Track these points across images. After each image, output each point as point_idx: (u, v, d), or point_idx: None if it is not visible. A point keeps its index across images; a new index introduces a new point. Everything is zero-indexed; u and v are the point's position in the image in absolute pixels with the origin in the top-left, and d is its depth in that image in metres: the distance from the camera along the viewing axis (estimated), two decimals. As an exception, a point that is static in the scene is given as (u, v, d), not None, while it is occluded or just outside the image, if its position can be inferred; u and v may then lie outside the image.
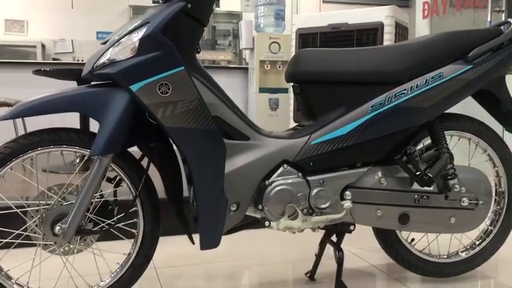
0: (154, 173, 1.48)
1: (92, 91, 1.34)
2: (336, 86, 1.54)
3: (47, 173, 1.48)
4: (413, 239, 1.74)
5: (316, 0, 7.74)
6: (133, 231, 1.46)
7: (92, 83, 1.40)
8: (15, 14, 6.61)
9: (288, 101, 3.73)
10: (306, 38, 3.29)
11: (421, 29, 4.25)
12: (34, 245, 1.42)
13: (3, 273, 1.40)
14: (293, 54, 3.38)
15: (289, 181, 1.47)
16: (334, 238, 1.67)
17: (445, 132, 1.64)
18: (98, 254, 1.48)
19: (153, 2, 1.43)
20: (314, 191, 1.49)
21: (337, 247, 1.61)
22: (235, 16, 7.02)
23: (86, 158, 1.42)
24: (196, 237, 1.42)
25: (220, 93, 1.46)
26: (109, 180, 1.48)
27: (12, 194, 1.52)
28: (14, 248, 1.42)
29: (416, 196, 1.59)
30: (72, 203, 1.37)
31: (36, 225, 1.39)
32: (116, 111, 1.32)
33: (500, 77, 1.66)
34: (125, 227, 1.45)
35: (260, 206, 1.46)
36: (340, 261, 1.56)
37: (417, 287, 1.72)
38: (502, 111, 1.71)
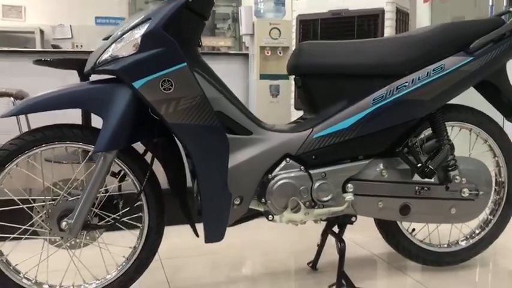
0: (156, 165, 1.49)
1: (96, 87, 1.34)
2: (338, 79, 1.55)
3: (51, 166, 1.50)
4: (414, 229, 1.76)
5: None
6: (139, 225, 1.49)
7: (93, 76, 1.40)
8: (12, -1, 6.54)
9: (289, 87, 3.72)
10: (307, 24, 3.27)
11: (422, 14, 4.21)
12: (41, 239, 1.45)
13: (11, 267, 1.42)
14: (294, 40, 3.37)
15: (292, 174, 1.49)
16: (336, 229, 1.69)
17: (446, 123, 1.65)
18: (104, 247, 1.50)
19: None
20: (316, 184, 1.50)
21: (339, 238, 1.63)
22: (234, -1, 6.97)
23: (90, 153, 1.43)
24: (200, 229, 1.44)
25: (222, 88, 1.46)
26: (113, 174, 1.49)
27: (18, 190, 1.54)
28: (21, 241, 1.44)
29: (417, 187, 1.61)
30: (77, 197, 1.39)
31: (42, 221, 1.41)
32: (119, 108, 1.32)
33: (501, 67, 1.67)
34: (130, 221, 1.47)
35: (263, 199, 1.48)
36: (342, 252, 1.59)
37: (418, 275, 1.75)
38: (502, 101, 1.72)
